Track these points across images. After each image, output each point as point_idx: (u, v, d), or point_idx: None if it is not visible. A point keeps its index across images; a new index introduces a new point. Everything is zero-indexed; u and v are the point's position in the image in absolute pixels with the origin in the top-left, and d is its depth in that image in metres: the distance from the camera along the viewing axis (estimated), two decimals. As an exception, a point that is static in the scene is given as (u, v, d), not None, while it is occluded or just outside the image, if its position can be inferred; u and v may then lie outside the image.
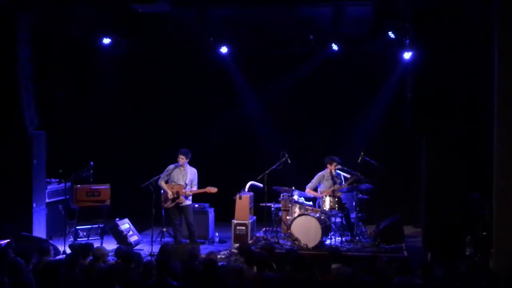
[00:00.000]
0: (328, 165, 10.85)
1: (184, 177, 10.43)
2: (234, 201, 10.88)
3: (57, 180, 11.60)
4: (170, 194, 10.34)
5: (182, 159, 10.38)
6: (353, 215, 10.65)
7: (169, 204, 10.42)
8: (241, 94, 13.19)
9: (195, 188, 10.47)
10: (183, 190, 10.35)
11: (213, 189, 10.42)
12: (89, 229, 11.19)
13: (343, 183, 10.84)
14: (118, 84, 13.33)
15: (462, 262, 6.94)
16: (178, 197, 10.36)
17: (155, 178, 10.34)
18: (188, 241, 10.49)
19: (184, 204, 10.44)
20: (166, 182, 10.47)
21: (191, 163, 10.59)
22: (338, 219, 10.72)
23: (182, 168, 10.45)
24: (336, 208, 10.39)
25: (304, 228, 10.05)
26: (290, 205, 10.84)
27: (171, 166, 10.49)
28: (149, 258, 9.54)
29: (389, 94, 12.43)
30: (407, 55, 11.32)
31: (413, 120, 9.75)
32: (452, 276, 6.23)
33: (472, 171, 9.32)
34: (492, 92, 8.11)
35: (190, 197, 10.56)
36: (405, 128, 10.61)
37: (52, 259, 8.04)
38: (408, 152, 11.80)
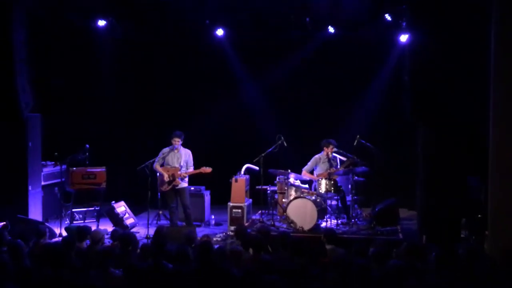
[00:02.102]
0: (324, 148, 10.85)
1: (178, 159, 10.41)
2: (230, 184, 10.87)
3: (53, 162, 11.58)
4: (166, 177, 10.33)
5: (176, 142, 10.35)
6: (349, 198, 10.67)
7: (166, 187, 10.41)
8: (238, 77, 13.10)
9: (191, 169, 10.46)
10: (179, 172, 10.34)
11: (208, 169, 10.40)
12: (85, 212, 11.21)
13: (339, 166, 10.84)
14: (114, 67, 13.21)
15: (458, 245, 6.95)
16: (174, 180, 10.35)
17: (151, 161, 10.32)
18: (184, 223, 10.51)
19: (180, 186, 10.43)
20: (162, 165, 10.45)
21: (187, 146, 10.57)
22: (334, 202, 10.75)
23: (176, 151, 10.42)
24: (332, 191, 10.41)
25: (300, 211, 10.08)
26: (286, 188, 10.85)
27: (166, 149, 10.47)
28: (145, 240, 9.57)
29: (386, 77, 12.35)
30: (403, 38, 11.27)
31: (411, 104, 9.71)
32: (448, 259, 6.24)
33: (470, 154, 9.31)
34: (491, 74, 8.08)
35: (187, 180, 10.55)
36: (402, 112, 10.57)
37: (49, 241, 8.05)
38: (404, 135, 11.77)
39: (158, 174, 10.49)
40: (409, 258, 6.36)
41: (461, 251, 6.47)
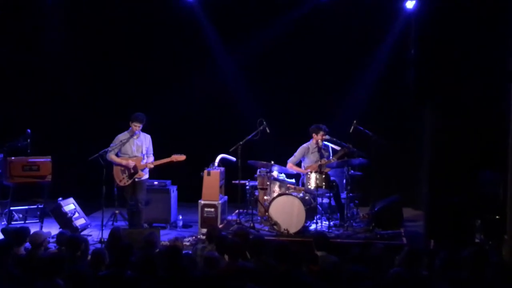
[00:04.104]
0: (314, 135, 10.89)
1: (139, 148, 10.31)
2: (202, 177, 10.88)
3: (-13, 151, 11.52)
4: (131, 164, 10.20)
5: (137, 127, 10.22)
6: (343, 195, 10.75)
7: (125, 181, 10.32)
8: (212, 50, 13.08)
9: (152, 158, 10.40)
10: (142, 163, 10.28)
11: (181, 157, 10.35)
12: (26, 211, 11.23)
13: (331, 156, 10.90)
14: (63, 38, 13.08)
15: (468, 250, 7.01)
16: (136, 172, 10.28)
17: (105, 150, 10.21)
18: (146, 225, 10.50)
19: (142, 178, 10.36)
20: (116, 155, 10.34)
21: (149, 131, 10.49)
22: (325, 200, 10.81)
23: (135, 137, 10.32)
24: (323, 187, 10.45)
25: (285, 210, 10.12)
26: (268, 183, 10.89)
27: (123, 135, 10.31)
28: (98, 245, 9.57)
29: (389, 51, 12.45)
30: (409, 4, 11.33)
31: (416, 82, 9.75)
32: (456, 266, 6.31)
33: (486, 144, 9.39)
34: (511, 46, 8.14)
35: (147, 171, 10.47)
36: (406, 92, 10.63)
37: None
38: (409, 120, 11.88)
39: (114, 165, 10.41)
40: (412, 265, 6.43)
41: (467, 255, 6.52)
